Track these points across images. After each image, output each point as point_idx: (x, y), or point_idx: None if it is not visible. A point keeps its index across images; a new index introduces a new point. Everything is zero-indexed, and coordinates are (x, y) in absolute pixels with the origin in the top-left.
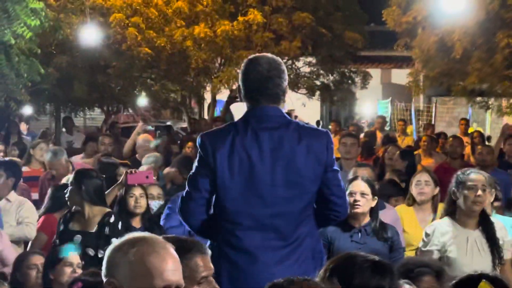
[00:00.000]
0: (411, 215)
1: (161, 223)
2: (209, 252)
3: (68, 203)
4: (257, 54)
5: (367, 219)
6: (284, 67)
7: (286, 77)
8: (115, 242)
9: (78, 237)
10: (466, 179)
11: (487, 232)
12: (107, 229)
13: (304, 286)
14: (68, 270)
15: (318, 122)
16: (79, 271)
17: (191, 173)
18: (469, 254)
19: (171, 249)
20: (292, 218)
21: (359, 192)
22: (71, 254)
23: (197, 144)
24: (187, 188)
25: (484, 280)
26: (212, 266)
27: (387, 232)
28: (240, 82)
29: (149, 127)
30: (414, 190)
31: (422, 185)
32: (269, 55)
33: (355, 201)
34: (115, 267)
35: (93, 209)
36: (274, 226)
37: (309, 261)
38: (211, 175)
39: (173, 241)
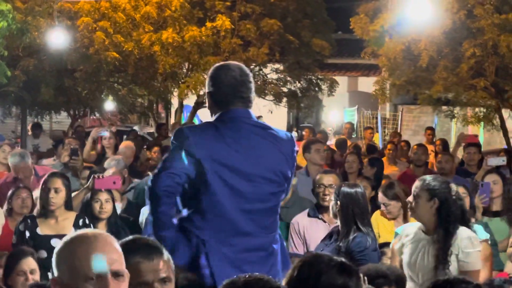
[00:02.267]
0: (386, 221)
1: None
2: (163, 257)
3: (40, 206)
4: (226, 62)
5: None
6: (251, 74)
7: (253, 83)
8: (59, 244)
9: (57, 241)
10: (423, 186)
11: (438, 239)
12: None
13: (260, 285)
14: (20, 279)
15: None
16: (36, 277)
17: (164, 158)
18: (414, 258)
19: (110, 240)
20: (272, 214)
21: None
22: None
23: (174, 136)
24: (161, 165)
25: None
26: (163, 272)
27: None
28: (210, 88)
29: (103, 133)
30: (382, 207)
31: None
32: (236, 62)
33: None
34: (57, 265)
35: (65, 213)
36: (254, 222)
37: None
38: (192, 161)
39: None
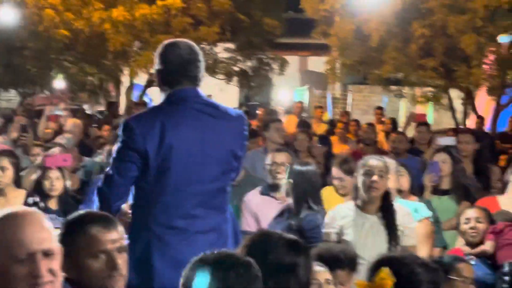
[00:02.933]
0: (336, 198)
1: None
2: (118, 228)
3: None
4: (175, 39)
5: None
6: (201, 52)
7: (203, 60)
8: None
9: None
10: (364, 165)
11: (386, 218)
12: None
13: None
14: None
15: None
16: None
17: (113, 156)
18: (363, 238)
19: (38, 219)
20: (222, 194)
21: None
22: None
23: (121, 129)
24: (109, 171)
25: (383, 267)
26: (119, 242)
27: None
28: (158, 66)
29: (58, 112)
30: (336, 181)
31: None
32: (186, 40)
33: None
34: None
35: (14, 191)
36: (204, 202)
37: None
38: (140, 160)
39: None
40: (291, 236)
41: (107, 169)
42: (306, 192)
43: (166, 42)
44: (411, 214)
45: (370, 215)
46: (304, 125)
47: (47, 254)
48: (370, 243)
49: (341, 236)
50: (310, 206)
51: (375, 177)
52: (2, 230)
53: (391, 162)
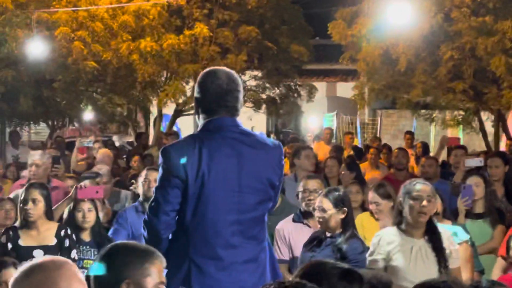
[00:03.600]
0: (373, 223)
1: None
2: (163, 262)
3: (21, 218)
4: (214, 67)
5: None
6: (239, 79)
7: (242, 89)
8: (16, 272)
9: (39, 252)
10: (412, 190)
11: (433, 241)
12: (67, 241)
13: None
14: None
15: (269, 134)
16: None
17: (157, 186)
18: (412, 263)
19: (74, 271)
20: (260, 223)
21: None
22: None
23: (161, 157)
24: (155, 201)
25: None
26: (164, 277)
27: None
28: (197, 94)
29: (88, 143)
30: (372, 206)
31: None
32: (225, 68)
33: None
34: None
35: (46, 223)
36: (241, 232)
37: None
38: (181, 185)
39: (126, 247)
40: (345, 264)
41: (151, 200)
42: (352, 218)
43: (206, 70)
44: (451, 237)
45: (417, 239)
46: (337, 150)
47: None
48: (419, 267)
49: (388, 262)
50: (354, 233)
51: (424, 202)
52: (40, 280)
53: (433, 186)
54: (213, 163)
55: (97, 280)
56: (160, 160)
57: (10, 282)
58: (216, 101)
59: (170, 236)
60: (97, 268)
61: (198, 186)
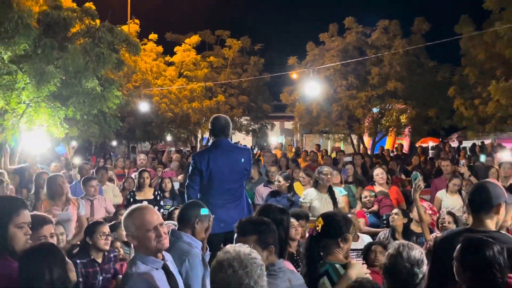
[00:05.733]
0: (302, 187)
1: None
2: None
3: (137, 185)
4: (219, 115)
5: (285, 191)
6: (230, 122)
7: (231, 126)
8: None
9: (145, 202)
10: (321, 171)
11: (331, 195)
12: (158, 197)
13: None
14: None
15: (252, 148)
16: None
17: (188, 174)
18: (321, 206)
19: (152, 209)
20: (240, 187)
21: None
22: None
23: (191, 159)
24: (188, 181)
25: (320, 217)
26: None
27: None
28: (210, 127)
29: (170, 150)
30: (301, 179)
31: (302, 178)
32: (224, 115)
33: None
34: (127, 227)
35: (149, 189)
36: (231, 193)
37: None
38: (200, 174)
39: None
40: (280, 205)
41: (187, 181)
42: (292, 185)
43: (214, 116)
44: (339, 192)
45: (323, 194)
46: (297, 154)
47: (161, 224)
48: (324, 207)
49: (310, 204)
50: (295, 191)
51: (329, 177)
52: (139, 216)
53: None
54: (215, 163)
55: (181, 214)
56: (191, 161)
57: (122, 217)
58: (219, 131)
59: (198, 195)
60: (183, 208)
61: (208, 173)
